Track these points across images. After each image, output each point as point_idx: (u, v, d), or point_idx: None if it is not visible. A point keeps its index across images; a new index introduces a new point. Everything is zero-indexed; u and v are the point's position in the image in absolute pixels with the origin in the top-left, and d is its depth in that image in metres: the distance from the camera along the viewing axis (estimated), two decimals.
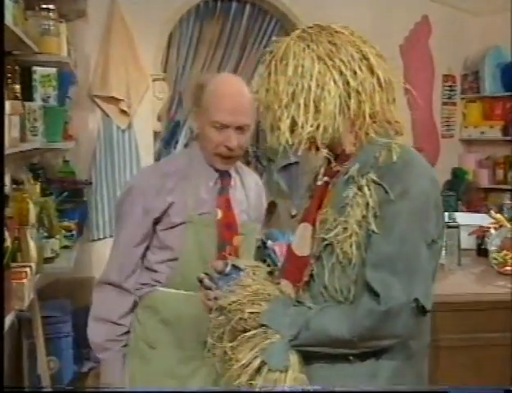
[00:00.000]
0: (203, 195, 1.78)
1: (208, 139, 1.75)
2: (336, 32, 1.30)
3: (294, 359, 1.27)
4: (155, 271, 1.80)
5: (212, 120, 1.72)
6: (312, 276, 1.31)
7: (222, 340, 1.33)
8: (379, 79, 1.29)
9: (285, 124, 1.27)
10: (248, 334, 1.28)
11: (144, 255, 1.81)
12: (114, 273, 1.80)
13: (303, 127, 1.26)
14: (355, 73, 1.26)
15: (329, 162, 1.37)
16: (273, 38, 1.37)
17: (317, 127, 1.26)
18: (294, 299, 1.33)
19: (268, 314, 1.29)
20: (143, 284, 1.81)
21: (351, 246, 1.24)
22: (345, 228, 1.24)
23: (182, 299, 1.75)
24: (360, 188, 1.24)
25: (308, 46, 1.28)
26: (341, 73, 1.26)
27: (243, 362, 1.27)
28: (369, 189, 1.23)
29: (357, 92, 1.26)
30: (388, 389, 1.28)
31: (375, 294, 1.20)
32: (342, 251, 1.25)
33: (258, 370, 1.26)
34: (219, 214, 1.78)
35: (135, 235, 1.79)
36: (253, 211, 1.89)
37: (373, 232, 1.22)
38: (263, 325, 1.28)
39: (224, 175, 1.82)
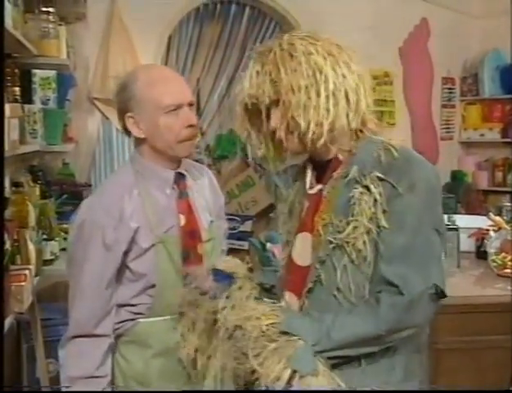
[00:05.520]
0: (164, 207, 1.66)
1: (168, 128, 1.61)
2: (317, 38, 1.32)
3: (320, 361, 1.26)
4: (134, 305, 1.64)
5: (165, 106, 1.60)
6: (318, 281, 1.31)
7: (243, 360, 1.30)
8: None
9: (308, 115, 1.26)
10: (271, 346, 1.26)
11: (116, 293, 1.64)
12: (84, 322, 1.60)
13: (324, 116, 1.26)
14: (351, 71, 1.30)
15: (318, 171, 1.39)
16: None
17: (335, 116, 1.27)
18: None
19: (287, 322, 1.28)
20: (121, 322, 1.65)
21: (364, 243, 1.26)
22: (356, 227, 1.26)
23: (170, 325, 1.61)
24: (365, 187, 1.27)
25: (311, 43, 1.29)
26: (349, 67, 1.29)
27: (273, 376, 1.23)
28: (375, 187, 1.26)
29: (357, 87, 1.29)
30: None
31: (393, 287, 1.23)
32: (355, 250, 1.26)
33: (289, 380, 1.23)
34: (182, 220, 1.67)
35: (102, 276, 1.60)
36: (213, 207, 1.80)
37: (383, 227, 1.25)
38: (283, 334, 1.26)
39: (179, 178, 1.70)
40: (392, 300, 1.23)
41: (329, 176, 1.35)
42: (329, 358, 1.25)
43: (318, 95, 1.26)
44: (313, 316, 1.29)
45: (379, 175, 1.26)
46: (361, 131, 1.34)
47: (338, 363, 1.27)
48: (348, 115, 1.28)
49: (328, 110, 1.26)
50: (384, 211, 1.25)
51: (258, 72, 1.30)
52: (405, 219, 1.25)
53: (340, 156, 1.34)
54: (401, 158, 1.28)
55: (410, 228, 1.24)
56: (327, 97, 1.26)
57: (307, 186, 1.41)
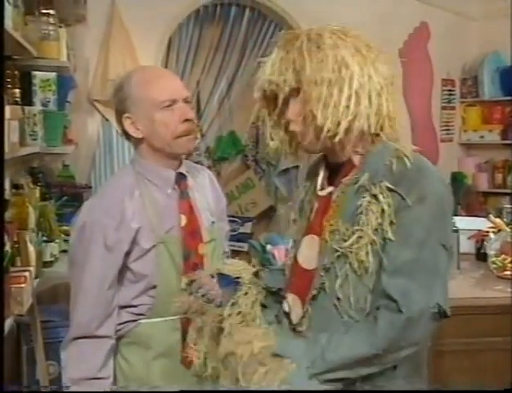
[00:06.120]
0: (165, 207, 1.66)
1: (164, 124, 1.62)
2: (347, 34, 1.28)
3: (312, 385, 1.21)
4: (135, 306, 1.65)
5: (160, 102, 1.61)
6: (322, 289, 1.28)
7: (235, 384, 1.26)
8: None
9: (327, 107, 1.22)
10: (262, 370, 1.21)
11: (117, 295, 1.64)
12: (85, 324, 1.60)
13: (343, 114, 1.22)
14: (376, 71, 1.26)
15: (330, 172, 1.35)
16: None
17: (355, 117, 1.23)
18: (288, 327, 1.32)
19: (280, 344, 1.25)
20: (122, 323, 1.65)
21: (367, 254, 1.22)
22: (360, 237, 1.23)
23: (171, 326, 1.64)
24: (374, 196, 1.23)
25: (340, 37, 1.25)
26: (376, 69, 1.25)
27: None
28: (384, 197, 1.22)
29: (381, 90, 1.25)
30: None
31: (392, 302, 1.19)
32: (358, 260, 1.23)
33: None
34: (183, 220, 1.68)
35: (104, 277, 1.60)
36: (214, 208, 1.80)
37: (389, 239, 1.21)
38: (275, 357, 1.22)
39: (180, 178, 1.71)
40: (390, 317, 1.18)
41: (340, 180, 1.31)
42: (327, 381, 1.20)
43: (341, 91, 1.21)
44: (308, 337, 1.26)
45: (389, 185, 1.22)
46: (377, 135, 1.28)
47: (334, 390, 1.21)
48: (368, 118, 1.23)
49: (348, 109, 1.21)
50: (391, 223, 1.21)
51: (281, 59, 1.25)
52: (412, 231, 1.20)
53: (354, 160, 1.30)
54: (414, 168, 1.23)
55: (417, 241, 1.20)
56: (350, 95, 1.21)
57: (318, 187, 1.37)
